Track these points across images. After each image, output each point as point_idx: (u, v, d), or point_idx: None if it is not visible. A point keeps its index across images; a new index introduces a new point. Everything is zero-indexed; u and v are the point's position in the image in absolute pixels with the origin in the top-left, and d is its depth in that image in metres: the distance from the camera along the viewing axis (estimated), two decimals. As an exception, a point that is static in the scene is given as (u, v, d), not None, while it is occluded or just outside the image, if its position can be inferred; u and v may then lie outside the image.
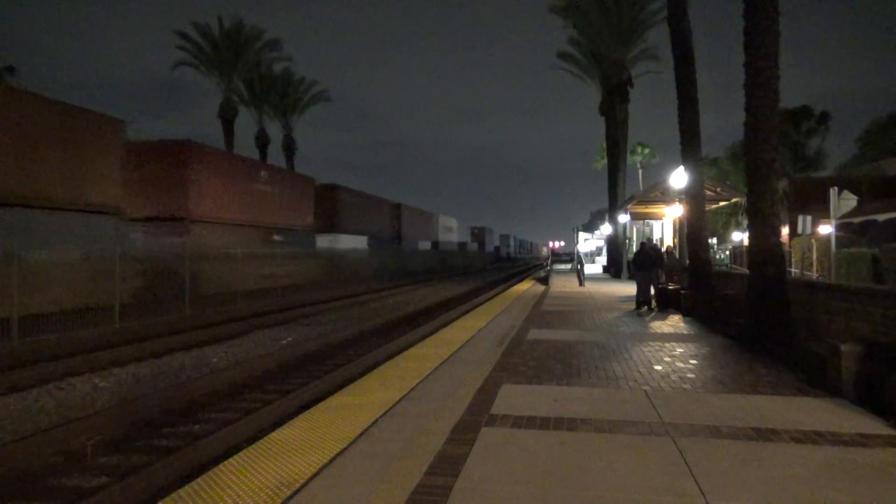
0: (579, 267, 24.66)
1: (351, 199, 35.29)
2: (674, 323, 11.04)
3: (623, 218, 26.32)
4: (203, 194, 20.30)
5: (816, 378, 5.92)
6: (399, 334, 12.81)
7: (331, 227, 32.00)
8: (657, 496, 3.18)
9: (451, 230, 65.55)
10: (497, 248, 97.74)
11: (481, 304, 18.17)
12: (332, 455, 3.81)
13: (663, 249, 17.06)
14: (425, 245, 51.96)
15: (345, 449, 3.93)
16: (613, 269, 30.40)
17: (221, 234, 20.91)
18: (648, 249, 14.27)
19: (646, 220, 28.74)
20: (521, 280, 35.62)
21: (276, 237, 24.96)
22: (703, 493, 3.19)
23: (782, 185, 25.12)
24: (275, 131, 46.11)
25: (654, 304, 13.70)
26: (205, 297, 17.33)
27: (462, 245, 70.35)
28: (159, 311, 14.89)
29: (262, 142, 44.59)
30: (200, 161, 20.31)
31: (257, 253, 21.14)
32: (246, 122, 54.06)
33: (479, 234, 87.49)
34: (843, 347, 5.37)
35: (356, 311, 18.36)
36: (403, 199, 48.28)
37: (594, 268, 39.52)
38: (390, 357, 8.44)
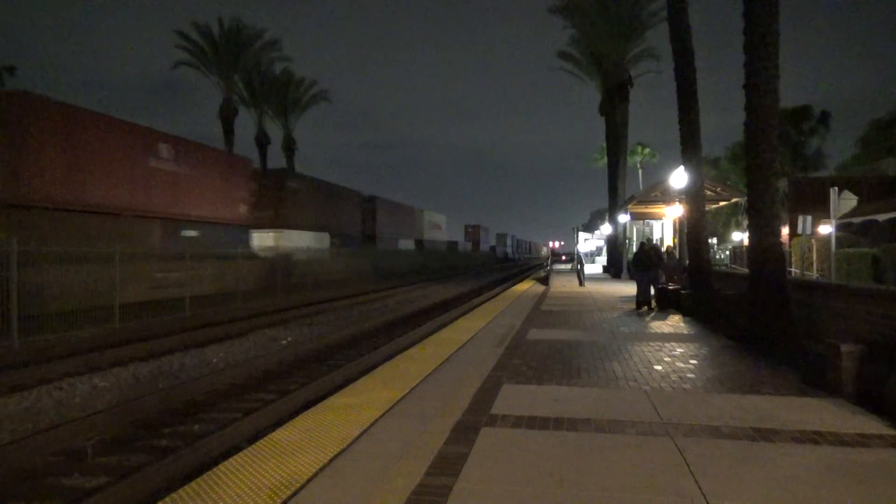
0: (579, 267, 24.68)
1: (305, 188, 29.60)
2: (674, 323, 11.05)
3: (623, 218, 26.33)
4: (49, 169, 14.29)
5: (816, 378, 5.92)
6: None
7: (277, 221, 26.63)
8: (657, 496, 3.18)
9: (440, 228, 59.54)
10: (493, 248, 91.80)
11: (480, 304, 18.16)
12: (332, 455, 3.81)
13: (663, 249, 17.06)
14: (407, 244, 46.32)
15: (345, 449, 3.93)
16: (613, 269, 30.41)
17: (87, 225, 15.04)
18: (648, 250, 14.27)
19: (646, 220, 28.75)
20: (518, 281, 33.12)
21: (188, 232, 19.42)
22: (703, 493, 3.19)
23: (782, 185, 25.14)
24: (275, 131, 46.15)
25: (654, 304, 13.70)
26: (45, 316, 11.73)
27: (452, 244, 64.91)
28: None
29: (262, 142, 44.61)
30: (43, 121, 14.35)
31: (133, 253, 15.13)
32: (246, 122, 53.96)
33: (473, 233, 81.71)
34: (843, 347, 5.37)
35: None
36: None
37: (594, 268, 39.54)
38: (390, 357, 8.43)
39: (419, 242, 49.98)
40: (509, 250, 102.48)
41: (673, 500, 3.13)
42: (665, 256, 15.61)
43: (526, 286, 25.62)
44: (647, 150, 54.71)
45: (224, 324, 14.36)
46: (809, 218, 18.37)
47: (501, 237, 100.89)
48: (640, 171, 55.78)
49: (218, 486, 3.36)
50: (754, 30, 8.41)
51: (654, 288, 13.99)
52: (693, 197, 12.84)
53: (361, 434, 4.24)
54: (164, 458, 5.20)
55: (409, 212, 49.26)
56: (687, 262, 13.80)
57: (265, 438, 4.25)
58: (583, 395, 5.45)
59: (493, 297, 21.20)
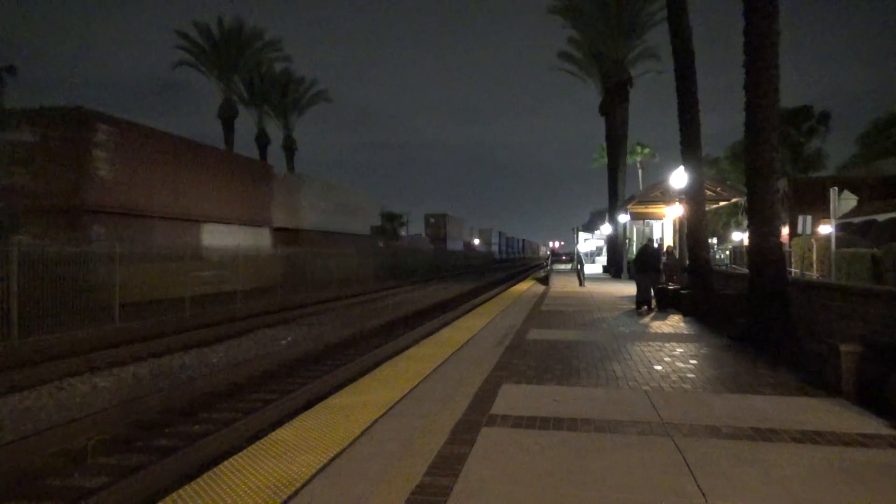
0: (579, 267, 24.69)
1: None
2: (674, 323, 11.05)
3: (623, 218, 26.33)
4: None
5: (816, 378, 5.93)
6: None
7: None
8: (657, 496, 3.18)
9: (357, 214, 37.30)
10: (469, 246, 70.18)
11: (481, 304, 18.16)
12: (332, 455, 3.81)
13: (663, 249, 17.04)
14: (253, 236, 24.09)
15: (345, 449, 3.93)
16: (613, 269, 30.42)
17: None
18: (651, 251, 14.14)
19: (646, 220, 28.75)
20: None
21: None
22: (703, 493, 3.19)
23: (782, 185, 25.14)
24: (275, 131, 46.16)
25: (654, 304, 13.70)
26: None
27: (375, 239, 40.65)
28: None
29: (263, 142, 44.63)
30: None
31: None
32: (246, 123, 53.70)
33: (435, 226, 60.38)
34: (843, 347, 5.37)
35: None
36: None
37: (594, 268, 39.54)
38: (390, 357, 8.43)
39: (292, 233, 27.92)
40: (497, 250, 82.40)
41: (673, 500, 3.13)
42: (665, 256, 15.59)
43: (526, 286, 25.62)
44: (646, 150, 54.64)
45: None
46: (809, 218, 18.39)
47: (485, 233, 79.85)
48: (640, 171, 55.72)
49: (218, 486, 3.36)
50: (754, 30, 8.41)
51: (654, 288, 13.98)
52: (693, 197, 12.85)
53: (361, 434, 4.24)
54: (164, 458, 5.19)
55: (264, 176, 26.18)
56: (687, 262, 13.80)
57: (265, 438, 4.25)
58: (583, 395, 5.45)
59: (492, 297, 21.18)
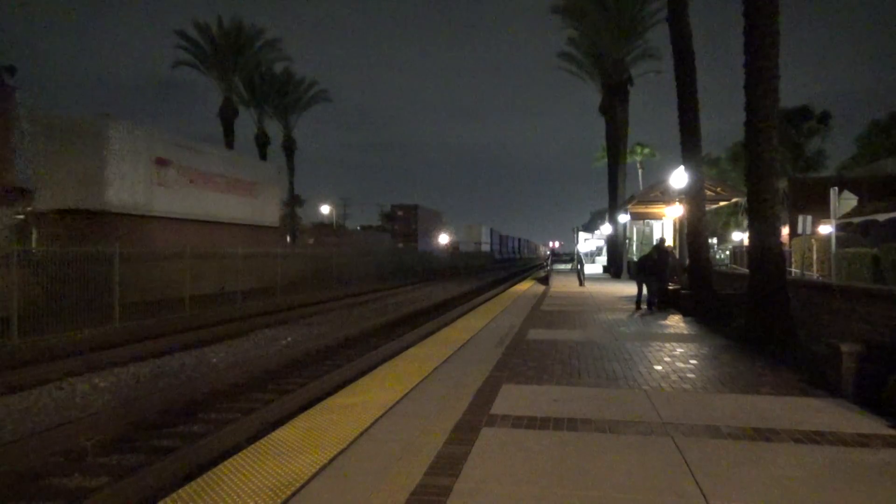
0: (579, 267, 24.69)
1: None
2: (674, 323, 11.04)
3: (623, 218, 26.34)
4: None
5: (816, 378, 5.93)
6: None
7: None
8: (657, 496, 3.18)
9: (253, 195, 25.32)
10: (451, 246, 56.21)
11: (481, 304, 18.15)
12: (332, 455, 3.81)
13: (664, 247, 16.94)
14: None
15: (345, 449, 3.93)
16: (613, 269, 30.43)
17: None
18: (657, 259, 13.89)
19: (646, 220, 28.75)
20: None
21: None
22: (703, 493, 3.19)
23: (782, 185, 25.14)
24: (275, 131, 46.13)
25: (654, 304, 13.67)
26: None
27: (284, 233, 30.86)
28: None
29: (262, 142, 44.62)
30: None
31: None
32: (246, 122, 53.56)
33: (405, 220, 48.14)
34: (843, 347, 5.37)
35: None
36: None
37: (594, 268, 39.54)
38: (390, 357, 8.43)
39: (87, 219, 16.97)
40: (492, 249, 68.53)
41: (673, 500, 3.13)
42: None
43: (526, 286, 25.62)
44: (647, 150, 54.54)
45: None
46: (809, 218, 18.36)
47: (472, 230, 62.34)
48: (639, 171, 55.68)
49: (218, 486, 3.36)
50: (754, 30, 8.41)
51: (655, 288, 13.93)
52: (693, 197, 12.84)
53: (361, 434, 4.24)
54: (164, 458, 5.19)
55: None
56: (687, 262, 13.78)
57: (265, 438, 4.25)
58: (583, 395, 5.45)
59: (493, 297, 21.19)
